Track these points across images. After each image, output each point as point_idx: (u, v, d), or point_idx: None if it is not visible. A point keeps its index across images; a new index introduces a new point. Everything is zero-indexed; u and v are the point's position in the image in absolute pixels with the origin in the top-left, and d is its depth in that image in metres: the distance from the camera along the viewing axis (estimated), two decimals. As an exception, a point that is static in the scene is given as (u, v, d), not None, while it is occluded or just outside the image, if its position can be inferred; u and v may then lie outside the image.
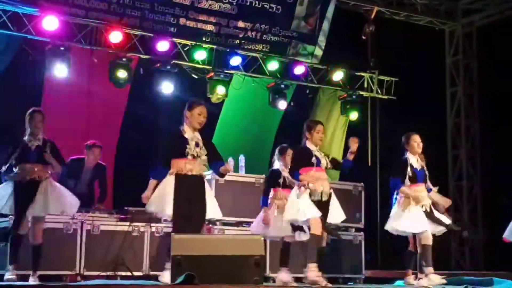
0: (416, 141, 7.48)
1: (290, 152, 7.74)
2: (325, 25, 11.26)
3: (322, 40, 11.27)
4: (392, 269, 9.54)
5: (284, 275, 7.46)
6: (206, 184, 6.69)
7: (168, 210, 6.48)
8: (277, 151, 7.95)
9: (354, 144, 7.16)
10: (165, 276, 6.32)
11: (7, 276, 6.86)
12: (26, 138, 6.99)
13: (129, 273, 8.02)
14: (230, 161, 7.22)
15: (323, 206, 6.96)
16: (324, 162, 7.12)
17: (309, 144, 7.15)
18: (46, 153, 6.91)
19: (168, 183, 6.48)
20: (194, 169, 6.50)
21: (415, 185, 7.41)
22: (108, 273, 7.93)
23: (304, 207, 6.88)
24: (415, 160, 7.47)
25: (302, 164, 7.04)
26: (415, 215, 7.36)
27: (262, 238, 6.25)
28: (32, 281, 6.89)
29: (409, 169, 7.39)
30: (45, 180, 6.97)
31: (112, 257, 8.01)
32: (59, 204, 7.05)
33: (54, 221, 7.69)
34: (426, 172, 7.56)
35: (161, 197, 6.48)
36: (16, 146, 6.94)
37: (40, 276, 7.12)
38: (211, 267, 5.79)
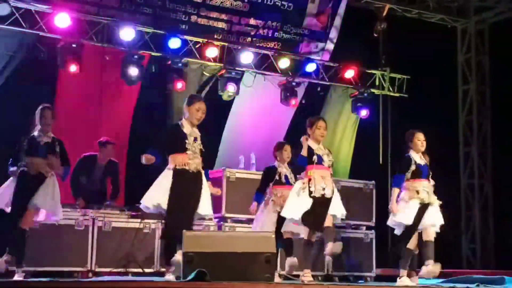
0: (420, 139, 7.41)
1: (287, 147, 7.71)
2: (337, 21, 11.24)
3: (334, 35, 11.26)
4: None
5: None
6: (204, 181, 6.64)
7: (163, 205, 6.45)
8: (274, 146, 7.91)
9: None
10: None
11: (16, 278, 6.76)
12: (35, 133, 7.01)
13: (140, 270, 8.05)
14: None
15: (324, 203, 6.95)
16: (326, 159, 7.10)
17: (310, 142, 7.13)
18: (54, 155, 6.95)
19: (165, 178, 6.48)
20: (193, 164, 6.50)
21: (418, 180, 7.32)
22: (119, 269, 7.96)
23: (300, 206, 6.92)
24: (418, 157, 7.40)
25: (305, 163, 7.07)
26: (410, 207, 7.30)
27: (273, 236, 6.24)
28: (17, 276, 6.78)
29: (413, 165, 7.33)
30: (51, 177, 6.98)
31: (123, 254, 8.03)
32: (55, 206, 7.02)
33: (66, 218, 7.70)
34: (430, 171, 7.45)
35: (157, 192, 6.47)
36: (24, 140, 6.96)
37: (52, 272, 7.15)
38: (222, 264, 5.81)
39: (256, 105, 11.11)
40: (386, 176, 11.19)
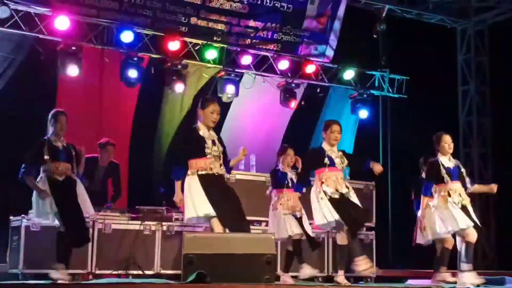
0: (447, 142, 7.40)
1: (290, 151, 7.76)
2: (336, 25, 11.25)
3: (333, 40, 11.27)
4: (403, 268, 9.54)
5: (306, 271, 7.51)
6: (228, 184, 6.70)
7: (200, 211, 6.41)
8: (278, 151, 7.95)
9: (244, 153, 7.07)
10: None
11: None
12: (51, 137, 6.90)
13: (140, 272, 8.05)
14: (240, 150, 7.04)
15: (345, 202, 6.96)
16: (338, 161, 7.11)
17: (324, 145, 7.19)
18: (80, 152, 6.97)
19: (193, 185, 6.42)
20: (216, 168, 6.48)
21: (451, 182, 7.32)
22: (120, 271, 7.95)
23: (326, 210, 6.93)
24: (446, 160, 7.39)
25: (315, 165, 7.11)
26: (446, 214, 7.29)
27: (273, 237, 6.25)
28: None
29: (442, 169, 7.33)
30: (76, 181, 6.96)
31: (123, 256, 8.03)
32: (87, 206, 7.02)
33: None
34: (462, 169, 7.47)
35: (191, 201, 6.41)
36: (42, 144, 6.86)
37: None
38: (222, 265, 5.81)
39: (255, 106, 11.13)
40: (386, 177, 11.21)
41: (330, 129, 7.18)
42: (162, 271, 8.10)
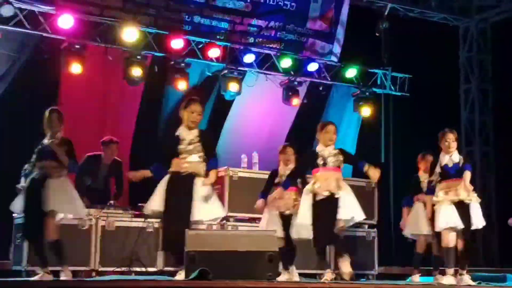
0: (448, 139, 7.31)
1: (288, 149, 7.73)
2: (342, 21, 11.27)
3: (340, 37, 11.29)
4: (405, 266, 9.56)
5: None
6: (199, 184, 6.47)
7: (152, 206, 6.50)
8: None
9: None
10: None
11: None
12: (45, 140, 6.90)
13: (143, 269, 8.09)
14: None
15: (329, 203, 6.91)
16: (332, 159, 7.02)
17: (319, 146, 7.12)
18: (58, 147, 6.85)
19: (160, 185, 6.50)
20: (188, 167, 6.45)
21: (449, 180, 7.28)
22: (123, 269, 7.99)
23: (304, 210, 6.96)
24: (447, 158, 7.33)
25: (308, 166, 7.10)
26: (442, 212, 7.30)
27: (275, 235, 6.28)
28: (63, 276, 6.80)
29: (438, 167, 7.35)
30: (60, 178, 6.84)
31: (126, 253, 8.06)
32: (70, 206, 6.95)
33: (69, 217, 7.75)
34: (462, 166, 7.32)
35: (152, 202, 6.52)
36: (37, 149, 6.90)
37: (55, 271, 7.19)
38: (225, 262, 5.85)
39: (258, 104, 11.16)
40: (388, 175, 11.23)
41: (324, 129, 7.08)
42: (165, 268, 8.14)
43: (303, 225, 7.05)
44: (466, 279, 7.10)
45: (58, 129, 6.94)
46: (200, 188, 6.44)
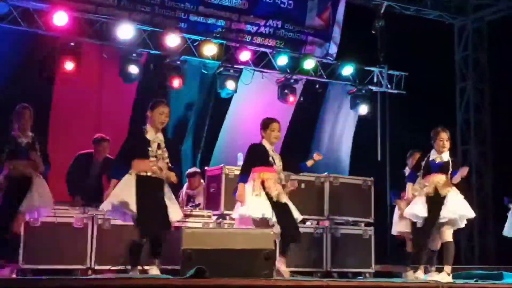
0: (442, 139, 7.31)
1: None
2: (339, 20, 11.26)
3: (336, 35, 11.28)
4: (401, 264, 9.55)
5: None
6: (166, 187, 6.53)
7: (117, 199, 6.40)
8: None
9: (318, 157, 7.19)
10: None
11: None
12: (15, 133, 6.89)
13: (139, 267, 8.04)
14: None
15: (283, 209, 6.92)
16: (278, 163, 7.03)
17: (265, 143, 7.07)
18: (34, 151, 6.85)
19: (128, 183, 6.39)
20: (156, 171, 6.42)
21: (431, 175, 7.29)
22: (119, 267, 7.95)
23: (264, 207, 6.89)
24: (436, 155, 7.33)
25: (258, 161, 6.99)
26: (417, 202, 7.34)
27: (272, 232, 6.25)
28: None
29: (424, 162, 7.34)
30: (37, 177, 6.91)
31: (123, 252, 8.01)
32: (44, 202, 6.98)
33: (65, 216, 7.72)
34: (450, 167, 7.30)
35: (120, 194, 6.39)
36: (6, 142, 6.87)
37: (51, 270, 7.15)
38: (221, 260, 5.83)
39: (255, 102, 11.14)
40: (385, 173, 11.23)
41: (270, 127, 7.05)
42: (162, 266, 8.10)
43: None
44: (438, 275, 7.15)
45: (29, 126, 6.94)
46: (168, 191, 6.52)
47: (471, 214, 7.35)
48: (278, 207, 6.92)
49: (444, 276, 7.05)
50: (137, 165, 6.41)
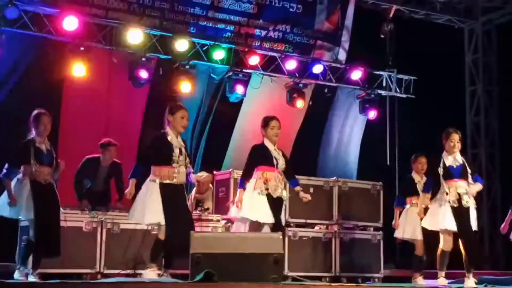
0: (453, 140, 7.25)
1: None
2: (347, 25, 11.26)
3: (345, 40, 11.27)
4: (410, 268, 9.53)
5: None
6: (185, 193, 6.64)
7: (148, 219, 6.50)
8: None
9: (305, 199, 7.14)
10: (148, 274, 6.49)
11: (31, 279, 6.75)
12: (35, 138, 6.80)
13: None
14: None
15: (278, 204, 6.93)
16: (282, 163, 7.02)
17: (266, 142, 7.05)
18: (62, 162, 6.88)
19: (152, 192, 6.43)
20: (178, 178, 6.47)
21: (451, 180, 7.22)
22: (128, 271, 7.97)
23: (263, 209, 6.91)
24: (451, 159, 7.27)
25: (261, 161, 6.97)
26: (440, 212, 7.27)
27: (281, 236, 6.26)
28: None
29: (441, 167, 7.31)
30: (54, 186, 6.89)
31: (132, 256, 8.04)
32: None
33: (75, 220, 7.75)
34: (468, 169, 7.26)
35: (143, 206, 6.46)
36: (27, 145, 6.78)
37: (60, 274, 7.17)
38: (230, 265, 5.83)
39: (264, 106, 11.13)
40: (394, 177, 11.21)
41: (269, 125, 7.03)
42: (170, 271, 8.11)
43: None
44: (471, 282, 7.07)
45: (48, 132, 6.88)
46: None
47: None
48: (275, 203, 6.92)
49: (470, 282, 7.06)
50: (159, 172, 6.45)
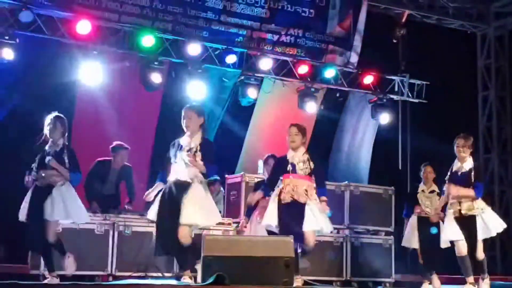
0: (457, 145, 7.25)
1: (270, 161, 7.88)
2: (360, 30, 11.26)
3: (357, 44, 11.27)
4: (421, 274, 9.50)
5: None
6: (196, 190, 6.51)
7: (150, 215, 6.63)
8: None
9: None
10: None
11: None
12: (47, 145, 6.87)
13: (159, 274, 8.10)
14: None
15: (292, 209, 6.89)
16: (302, 166, 6.98)
17: (288, 150, 7.07)
18: (53, 161, 6.81)
19: (163, 191, 6.59)
20: (182, 174, 6.50)
21: (453, 187, 7.19)
22: (139, 273, 8.01)
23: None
24: (459, 165, 7.26)
25: (280, 173, 7.02)
26: (447, 223, 7.29)
27: (292, 240, 6.26)
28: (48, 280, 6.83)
29: (449, 173, 7.29)
30: (60, 187, 6.83)
31: (143, 258, 8.08)
32: (66, 212, 6.87)
33: (86, 222, 7.77)
34: (471, 175, 7.20)
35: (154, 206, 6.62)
36: (38, 150, 6.89)
37: (72, 276, 7.20)
38: (241, 268, 5.84)
39: (276, 111, 11.16)
40: (406, 182, 11.18)
41: (288, 132, 7.05)
42: (181, 274, 8.13)
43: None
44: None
45: (60, 136, 6.91)
46: (196, 194, 6.58)
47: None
48: (287, 210, 6.90)
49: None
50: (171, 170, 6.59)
